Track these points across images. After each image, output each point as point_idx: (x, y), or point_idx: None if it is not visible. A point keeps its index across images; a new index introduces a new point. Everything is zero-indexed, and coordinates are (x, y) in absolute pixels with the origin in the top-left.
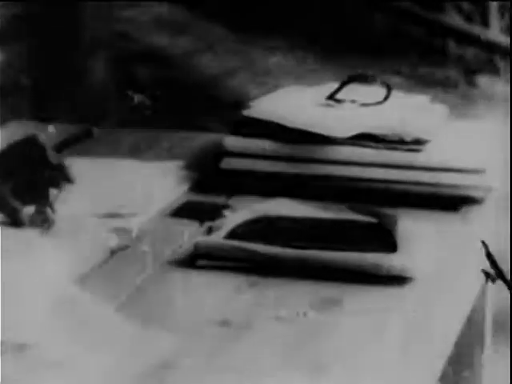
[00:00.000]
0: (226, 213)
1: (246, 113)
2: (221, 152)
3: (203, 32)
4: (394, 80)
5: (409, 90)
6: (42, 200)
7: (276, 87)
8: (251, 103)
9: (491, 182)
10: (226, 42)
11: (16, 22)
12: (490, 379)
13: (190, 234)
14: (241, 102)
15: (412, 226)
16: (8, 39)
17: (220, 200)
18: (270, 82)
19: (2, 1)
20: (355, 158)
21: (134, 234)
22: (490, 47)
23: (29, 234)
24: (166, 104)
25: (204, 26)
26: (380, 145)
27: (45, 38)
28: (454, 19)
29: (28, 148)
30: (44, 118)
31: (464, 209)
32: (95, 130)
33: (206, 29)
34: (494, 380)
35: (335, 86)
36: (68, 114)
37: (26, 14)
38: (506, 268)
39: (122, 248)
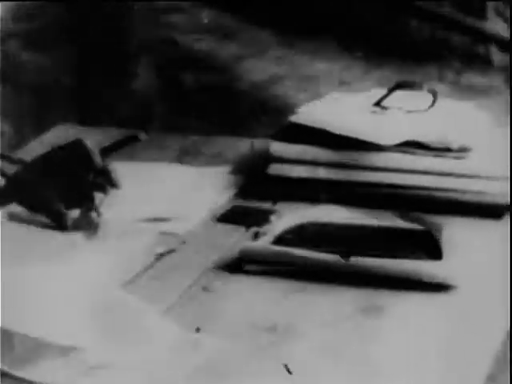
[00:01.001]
0: (273, 218)
1: (292, 119)
2: (267, 158)
3: (249, 38)
4: (438, 87)
5: (452, 97)
6: (87, 204)
7: (322, 93)
8: (298, 109)
9: None
10: (272, 47)
11: (61, 24)
12: None
13: (236, 239)
14: (287, 108)
15: (457, 234)
16: (52, 42)
17: (266, 205)
18: (316, 89)
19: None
20: (401, 165)
21: (180, 239)
22: None
23: (74, 238)
24: (212, 110)
25: (250, 31)
26: (426, 152)
27: (90, 42)
28: (497, 26)
29: (73, 152)
30: (88, 122)
31: (508, 217)
32: (142, 135)
33: (252, 34)
34: None
35: (381, 92)
36: (112, 118)
37: (72, 17)
38: None
39: (169, 252)
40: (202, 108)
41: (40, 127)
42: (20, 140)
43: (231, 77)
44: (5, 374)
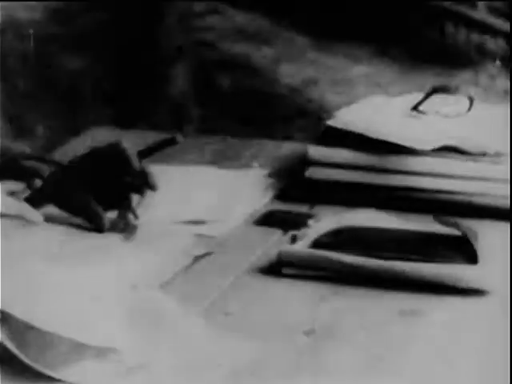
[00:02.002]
0: (310, 222)
1: (330, 123)
2: (305, 161)
3: (285, 41)
4: (473, 91)
5: (488, 101)
6: (124, 206)
7: (359, 97)
8: (335, 113)
9: None
10: (308, 51)
11: (97, 27)
12: None
13: (273, 243)
14: (323, 112)
15: (493, 239)
16: (89, 45)
17: (304, 209)
18: (352, 92)
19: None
20: (438, 170)
21: (217, 242)
22: None
23: (111, 239)
24: (248, 113)
25: (286, 35)
26: (462, 157)
27: (126, 45)
28: None
29: (111, 154)
30: (124, 125)
31: None
32: (179, 137)
33: (288, 38)
34: None
35: (418, 96)
36: (149, 121)
37: (108, 20)
38: None
39: (205, 255)
40: (238, 111)
41: (75, 129)
42: (55, 142)
43: (267, 80)
44: (41, 375)
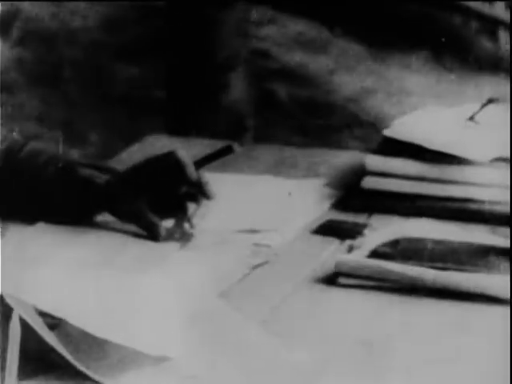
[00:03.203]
0: (367, 232)
1: (386, 132)
2: (362, 171)
3: (341, 50)
4: None
5: None
6: (180, 215)
7: (415, 107)
8: (391, 123)
9: None
10: (363, 60)
11: (152, 35)
12: None
13: (331, 252)
14: (379, 122)
15: None
16: (144, 53)
17: (361, 219)
18: (408, 102)
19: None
20: (494, 181)
21: (274, 251)
22: None
23: (167, 248)
24: (304, 122)
25: (343, 44)
26: None
27: (182, 53)
28: None
29: (167, 163)
30: (179, 133)
31: None
32: (236, 147)
33: (344, 47)
34: None
35: (474, 106)
36: (204, 130)
37: (163, 28)
38: None
39: (263, 264)
40: (294, 120)
41: (129, 137)
42: (108, 149)
43: (323, 89)
44: (92, 381)
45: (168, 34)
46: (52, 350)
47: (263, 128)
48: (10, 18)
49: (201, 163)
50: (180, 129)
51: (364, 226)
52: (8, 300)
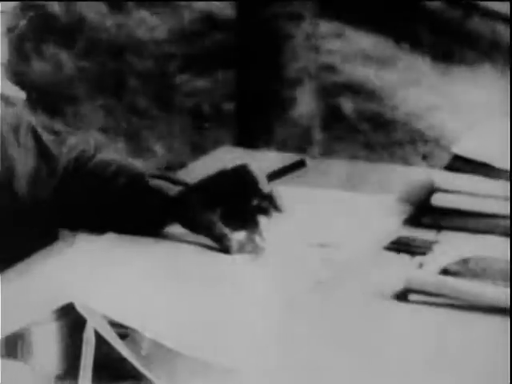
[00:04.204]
0: (437, 248)
1: (454, 149)
2: (431, 188)
3: (407, 65)
4: None
5: None
6: (251, 227)
7: (481, 123)
8: (457, 139)
9: None
10: (429, 75)
11: (220, 48)
12: None
13: (401, 268)
14: (443, 138)
15: None
16: (212, 65)
17: (430, 235)
18: (474, 118)
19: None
20: None
21: (344, 266)
22: None
23: (238, 260)
24: (370, 137)
25: (409, 59)
26: None
27: (251, 66)
28: None
29: (239, 176)
30: (246, 146)
31: None
32: (308, 160)
33: (410, 62)
34: None
35: None
36: (271, 142)
37: (232, 41)
38: None
39: (331, 278)
40: (359, 135)
41: (195, 149)
42: (174, 161)
43: (389, 104)
44: None
45: (236, 47)
46: (123, 359)
47: (329, 142)
48: (75, 28)
49: (273, 177)
50: (247, 141)
51: (434, 242)
52: (79, 309)
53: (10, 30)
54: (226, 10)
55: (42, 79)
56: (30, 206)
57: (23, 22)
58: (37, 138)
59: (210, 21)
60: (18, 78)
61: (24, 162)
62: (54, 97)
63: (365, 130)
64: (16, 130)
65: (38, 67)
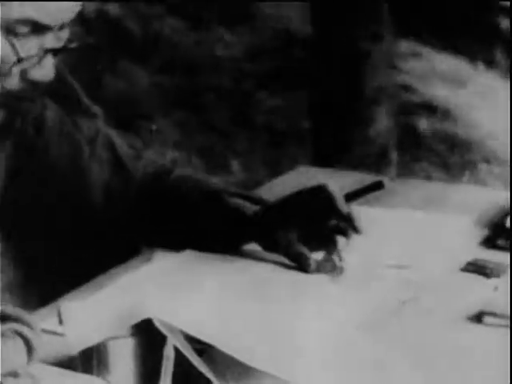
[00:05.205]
0: None
1: None
2: (506, 209)
3: (483, 86)
4: None
5: None
6: (329, 247)
7: None
8: None
9: None
10: (504, 95)
11: (296, 65)
12: None
13: (477, 291)
14: None
15: None
16: (288, 83)
17: (505, 257)
18: None
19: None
20: None
21: (422, 287)
22: None
23: (317, 280)
24: (445, 157)
25: (484, 79)
26: None
27: (328, 85)
28: None
29: (318, 196)
30: (323, 164)
31: None
32: (386, 181)
33: (485, 82)
34: None
35: None
36: (348, 161)
37: (307, 59)
38: None
39: (411, 300)
40: (434, 154)
41: (271, 167)
42: (249, 178)
43: (464, 124)
44: None
45: (314, 65)
46: (200, 374)
47: (405, 161)
48: (151, 45)
49: (351, 197)
50: (324, 159)
51: (509, 265)
52: (158, 325)
53: (59, 49)
54: (304, 28)
55: (115, 95)
56: (106, 219)
57: (75, 44)
58: (113, 151)
59: (287, 38)
60: (92, 93)
61: (99, 175)
62: (129, 112)
63: (440, 150)
64: (92, 141)
65: (112, 83)
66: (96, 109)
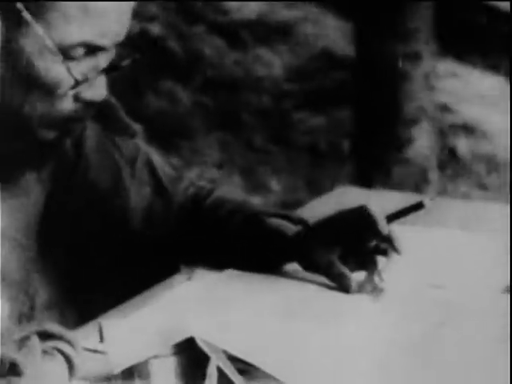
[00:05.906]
0: None
1: None
2: None
3: None
4: None
5: None
6: (370, 268)
7: None
8: None
9: None
10: None
11: (337, 86)
12: None
13: None
14: None
15: None
16: (329, 103)
17: None
18: None
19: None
20: None
21: (460, 308)
22: None
23: (358, 301)
24: (484, 177)
25: None
26: None
27: (369, 105)
28: None
29: (359, 217)
30: (363, 184)
31: None
32: (427, 201)
33: None
34: None
35: None
36: (389, 181)
37: (348, 79)
38: None
39: (450, 321)
40: (473, 175)
41: (312, 187)
42: (290, 198)
43: (502, 145)
44: None
45: (354, 85)
46: None
47: (445, 182)
48: (192, 64)
49: (391, 218)
50: (364, 179)
51: None
52: (201, 344)
53: (111, 68)
54: (345, 48)
55: (157, 114)
56: (146, 239)
57: (126, 62)
58: (153, 172)
59: (327, 58)
60: (133, 112)
61: (140, 196)
62: (169, 132)
63: (479, 170)
64: (132, 162)
65: (154, 102)
66: (136, 127)
